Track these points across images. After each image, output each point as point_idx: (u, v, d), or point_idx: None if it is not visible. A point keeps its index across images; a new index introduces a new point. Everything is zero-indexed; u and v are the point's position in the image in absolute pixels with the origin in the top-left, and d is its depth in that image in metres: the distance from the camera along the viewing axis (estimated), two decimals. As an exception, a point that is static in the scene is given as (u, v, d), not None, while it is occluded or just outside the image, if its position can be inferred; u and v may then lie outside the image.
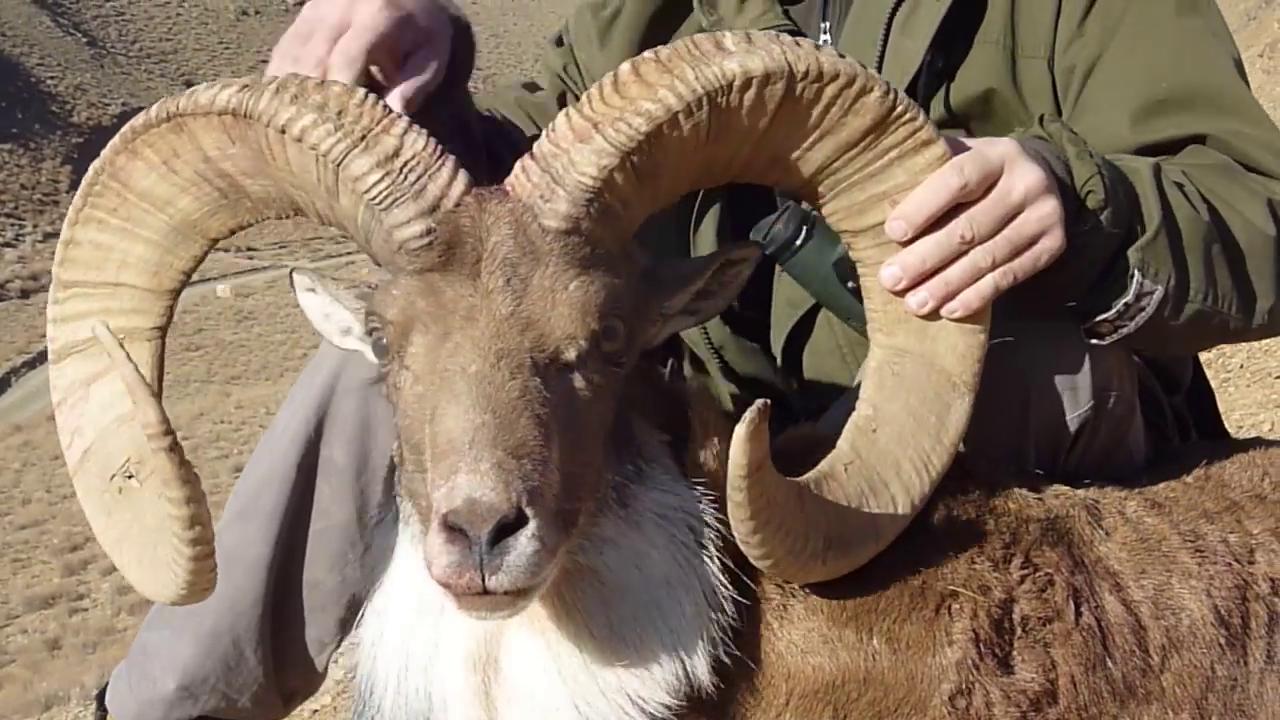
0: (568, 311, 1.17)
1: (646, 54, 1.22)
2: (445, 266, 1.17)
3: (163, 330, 1.34)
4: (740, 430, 1.13)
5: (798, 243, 1.52)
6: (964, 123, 1.77)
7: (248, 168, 1.25)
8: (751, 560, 1.27)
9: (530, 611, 1.25)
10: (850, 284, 1.48)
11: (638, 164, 1.18)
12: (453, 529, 1.05)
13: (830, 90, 1.23)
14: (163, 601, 1.34)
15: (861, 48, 1.72)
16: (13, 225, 55.07)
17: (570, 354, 1.19)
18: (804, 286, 1.65)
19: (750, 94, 1.19)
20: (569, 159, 1.17)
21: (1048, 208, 1.33)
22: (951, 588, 1.44)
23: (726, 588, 1.30)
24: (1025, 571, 1.48)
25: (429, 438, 1.15)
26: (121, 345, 1.17)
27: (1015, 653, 1.46)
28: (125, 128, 1.30)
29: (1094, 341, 1.53)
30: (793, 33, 1.64)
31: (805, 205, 1.57)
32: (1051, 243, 1.34)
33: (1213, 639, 1.57)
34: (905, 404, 1.38)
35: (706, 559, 1.31)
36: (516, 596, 1.10)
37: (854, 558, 1.34)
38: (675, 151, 1.20)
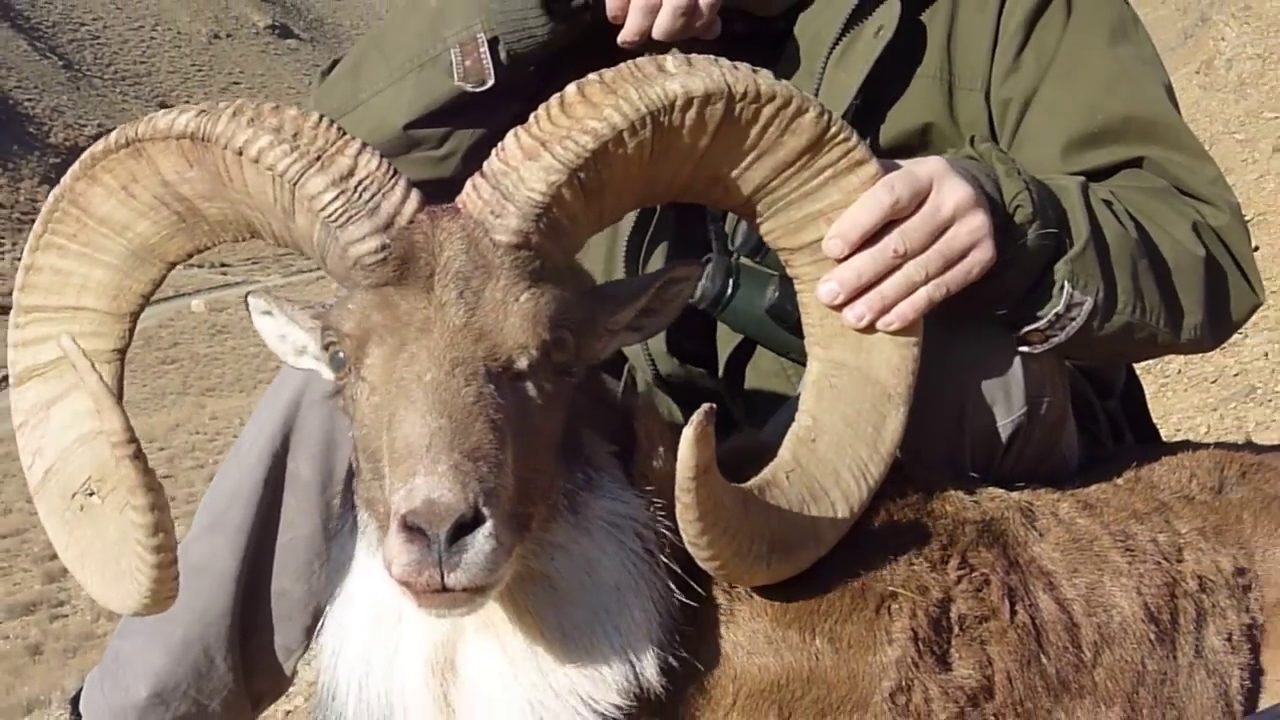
0: (519, 322, 1.22)
1: (591, 76, 1.26)
2: (400, 281, 1.21)
3: (122, 352, 1.38)
4: (688, 433, 1.17)
5: (728, 294, 1.59)
6: (903, 154, 1.80)
7: (205, 191, 1.29)
8: (699, 562, 1.31)
9: (485, 617, 1.29)
10: (784, 323, 1.54)
11: (585, 181, 1.23)
12: (412, 529, 1.08)
13: (767, 111, 1.29)
14: (126, 613, 1.38)
15: (800, 80, 1.77)
16: None
17: (522, 363, 1.23)
18: (741, 332, 1.73)
19: (691, 113, 1.24)
20: (518, 176, 1.21)
21: (977, 221, 1.39)
22: (891, 588, 1.49)
23: (674, 592, 1.34)
24: (962, 572, 1.54)
25: (386, 444, 1.18)
26: (87, 357, 1.20)
27: (953, 650, 1.51)
28: (85, 154, 1.34)
29: (1025, 350, 1.58)
30: None
31: (731, 256, 1.66)
32: (982, 255, 1.40)
33: (1143, 635, 1.63)
34: (843, 415, 1.43)
35: (654, 565, 1.35)
36: (474, 593, 1.14)
37: (796, 561, 1.39)
38: (620, 169, 1.25)
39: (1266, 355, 6.47)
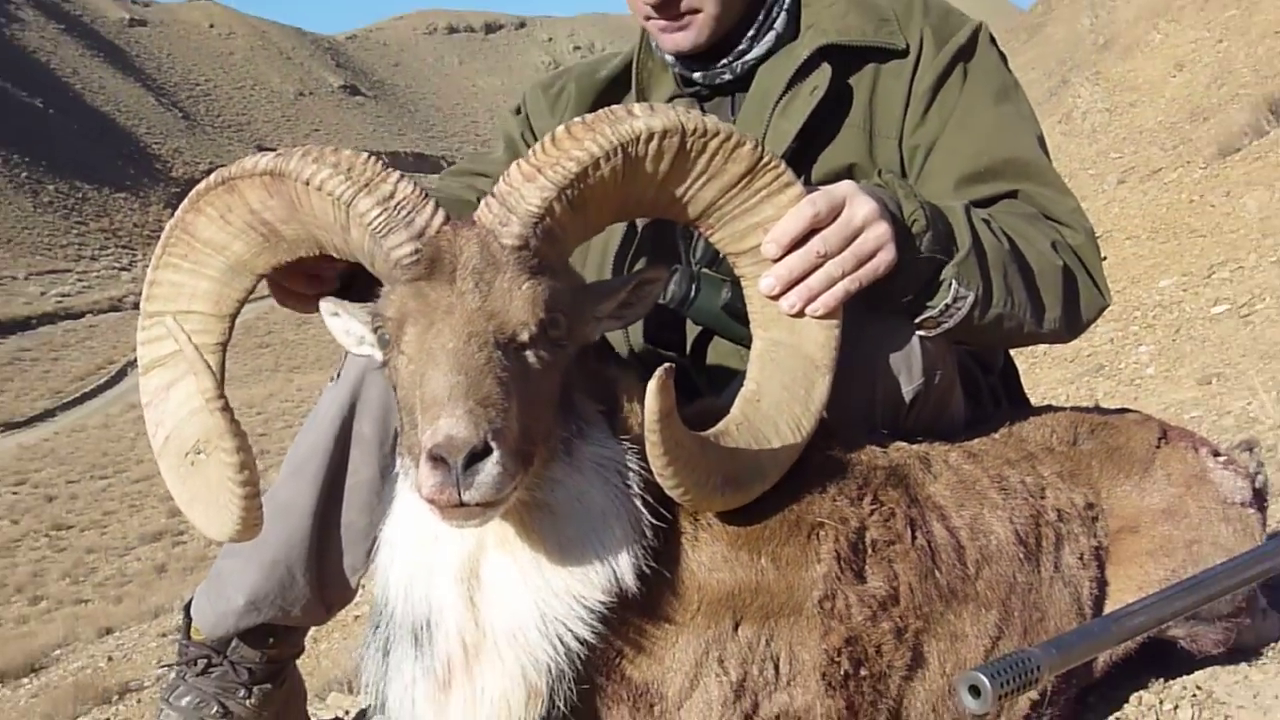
0: (521, 304, 1.48)
1: (576, 119, 1.55)
2: (429, 276, 1.48)
3: (224, 345, 1.66)
4: (652, 385, 1.45)
5: (692, 296, 1.89)
6: (871, 157, 2.16)
7: (283, 216, 1.58)
8: (667, 491, 1.57)
9: (501, 535, 1.57)
10: (736, 318, 1.83)
11: (571, 197, 1.51)
12: (436, 459, 1.34)
13: (713, 144, 1.57)
14: (224, 540, 1.64)
15: (750, 126, 2.07)
16: (127, 254, 74.68)
17: (524, 336, 1.50)
18: (702, 325, 2.03)
19: (653, 145, 1.53)
20: (520, 194, 1.50)
21: (881, 229, 1.67)
22: (819, 519, 1.77)
23: (647, 517, 1.61)
24: (874, 506, 1.83)
25: (419, 399, 1.44)
26: (186, 334, 1.48)
27: (867, 567, 1.79)
28: (192, 191, 1.62)
29: (922, 334, 1.89)
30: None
31: (693, 266, 1.95)
32: (886, 256, 1.69)
33: (1014, 554, 1.94)
34: (781, 381, 1.71)
35: (631, 495, 1.62)
36: (485, 508, 1.40)
37: (747, 492, 1.67)
38: (599, 188, 1.54)
39: (1112, 341, 7.37)
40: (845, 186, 1.70)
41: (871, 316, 1.84)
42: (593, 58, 2.38)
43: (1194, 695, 2.05)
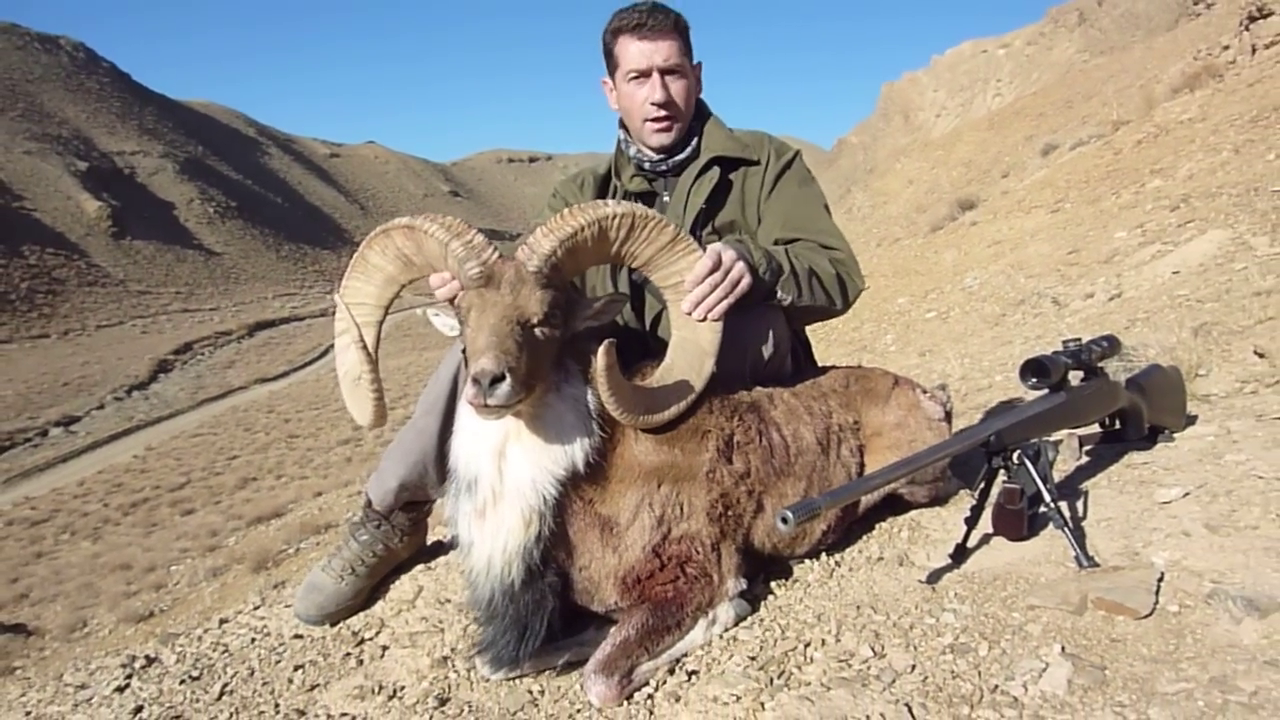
0: (535, 303, 2.16)
1: (572, 206, 2.24)
2: (485, 286, 2.17)
3: (379, 324, 2.39)
4: (600, 349, 2.17)
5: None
6: (727, 231, 2.99)
7: (413, 250, 2.30)
8: (612, 413, 2.26)
9: (518, 433, 2.23)
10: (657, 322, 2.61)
11: (568, 247, 2.21)
12: (475, 380, 2.01)
13: (651, 225, 2.30)
14: (365, 425, 2.37)
15: (679, 198, 2.97)
16: (328, 284, 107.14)
17: (534, 320, 2.16)
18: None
19: (615, 222, 2.25)
20: (540, 243, 2.19)
21: (742, 268, 2.42)
22: (707, 428, 2.43)
23: (596, 430, 2.28)
24: (739, 422, 2.50)
25: (470, 351, 2.10)
26: (348, 310, 2.29)
27: (734, 454, 2.46)
28: (368, 237, 2.35)
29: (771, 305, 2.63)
30: (649, 193, 3.04)
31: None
32: (746, 283, 2.43)
33: (816, 450, 2.63)
34: (686, 359, 2.40)
35: (590, 418, 2.27)
36: (499, 409, 2.06)
37: (659, 419, 2.34)
38: (583, 244, 2.23)
39: (872, 332, 10.10)
40: (722, 246, 2.45)
41: (746, 312, 2.56)
42: (594, 163, 3.26)
43: (910, 523, 2.91)
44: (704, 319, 2.39)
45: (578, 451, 2.26)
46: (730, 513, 2.45)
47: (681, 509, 2.38)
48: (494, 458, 2.26)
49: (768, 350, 2.76)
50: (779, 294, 2.65)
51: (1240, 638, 1.88)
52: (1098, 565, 2.27)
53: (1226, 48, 15.20)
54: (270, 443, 37.92)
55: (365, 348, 2.33)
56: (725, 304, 2.41)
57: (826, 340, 10.97)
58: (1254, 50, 13.75)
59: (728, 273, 2.41)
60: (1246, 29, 14.25)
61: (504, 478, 2.24)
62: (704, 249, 2.41)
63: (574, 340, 2.34)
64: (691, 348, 2.42)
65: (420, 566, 3.29)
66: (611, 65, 3.00)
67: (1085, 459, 3.10)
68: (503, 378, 2.02)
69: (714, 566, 2.39)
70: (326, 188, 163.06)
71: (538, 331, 2.19)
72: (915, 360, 7.52)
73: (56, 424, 49.67)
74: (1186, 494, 2.56)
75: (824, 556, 2.78)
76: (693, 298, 2.38)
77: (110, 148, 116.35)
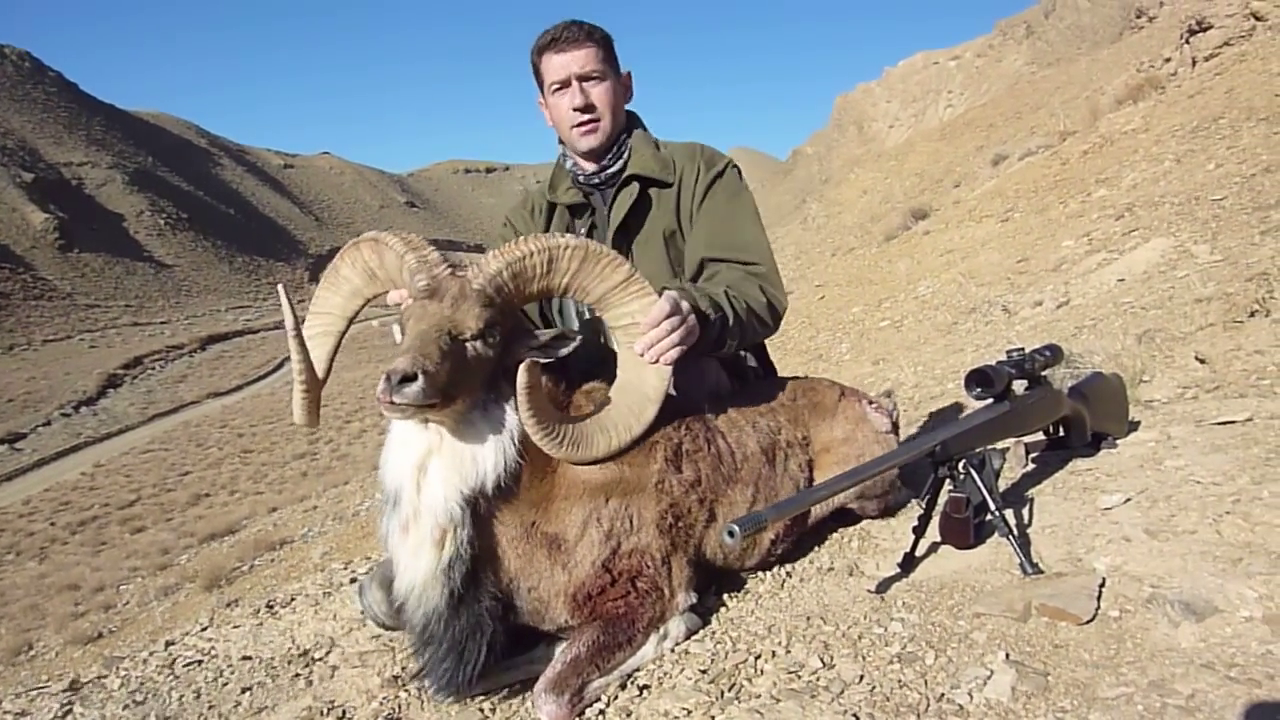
0: (471, 318, 2.19)
1: (525, 235, 2.30)
2: (429, 298, 2.21)
3: (341, 333, 2.48)
4: (522, 367, 2.18)
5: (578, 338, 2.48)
6: (669, 240, 3.04)
7: (377, 263, 2.36)
8: (533, 438, 2.23)
9: (438, 449, 2.21)
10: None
11: (514, 270, 2.25)
12: (386, 376, 2.02)
13: (605, 260, 2.31)
14: (298, 423, 2.42)
15: (616, 211, 3.02)
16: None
17: (467, 335, 2.18)
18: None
19: (568, 253, 2.28)
20: (488, 264, 2.24)
21: (693, 319, 2.41)
22: (653, 439, 2.44)
23: (517, 452, 2.25)
24: (685, 430, 2.55)
25: (396, 352, 2.11)
26: (289, 300, 2.32)
27: (683, 464, 2.47)
28: (339, 251, 2.42)
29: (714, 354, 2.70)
30: (583, 204, 3.13)
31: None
32: (696, 332, 2.42)
33: (761, 459, 2.67)
34: (628, 403, 2.40)
35: (511, 443, 2.25)
36: (406, 408, 2.05)
37: (582, 457, 2.30)
38: (529, 271, 2.27)
39: (827, 342, 10.16)
40: (675, 293, 2.42)
41: (700, 362, 2.75)
42: (540, 184, 3.31)
43: (860, 532, 2.97)
44: (656, 361, 2.37)
45: (489, 472, 2.23)
46: (681, 523, 2.46)
47: (631, 522, 2.38)
48: (415, 472, 2.25)
49: (717, 382, 2.89)
50: (728, 342, 2.66)
51: (1178, 641, 1.92)
52: (1042, 572, 2.30)
53: (1168, 60, 15.58)
54: (224, 458, 37.81)
55: (303, 343, 2.36)
56: (678, 350, 2.39)
57: (782, 349, 11.04)
58: (1194, 63, 14.11)
59: (685, 320, 2.40)
60: (1187, 42, 14.62)
61: (421, 493, 2.24)
62: (658, 293, 2.41)
63: (512, 365, 2.31)
64: (635, 392, 2.41)
65: (371, 584, 3.24)
66: (539, 82, 3.10)
67: (1031, 466, 3.15)
68: (414, 378, 2.03)
69: (665, 580, 2.39)
70: (280, 199, 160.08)
71: (469, 346, 2.21)
72: (869, 368, 7.59)
73: (1, 441, 48.60)
74: (1128, 500, 2.61)
75: (776, 568, 2.80)
76: (646, 340, 2.36)
77: (57, 158, 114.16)
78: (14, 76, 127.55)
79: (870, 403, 3.03)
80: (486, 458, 2.23)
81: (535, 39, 3.06)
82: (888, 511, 3.06)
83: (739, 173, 3.13)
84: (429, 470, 2.24)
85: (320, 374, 2.50)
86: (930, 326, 8.61)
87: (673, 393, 2.46)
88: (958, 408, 4.53)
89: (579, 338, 2.48)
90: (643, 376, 2.38)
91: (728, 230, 3.00)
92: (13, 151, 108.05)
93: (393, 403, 2.03)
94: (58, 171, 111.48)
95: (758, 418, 2.79)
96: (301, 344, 2.35)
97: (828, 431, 2.89)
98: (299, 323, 2.33)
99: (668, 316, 2.35)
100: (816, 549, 2.92)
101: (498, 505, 2.27)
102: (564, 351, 2.40)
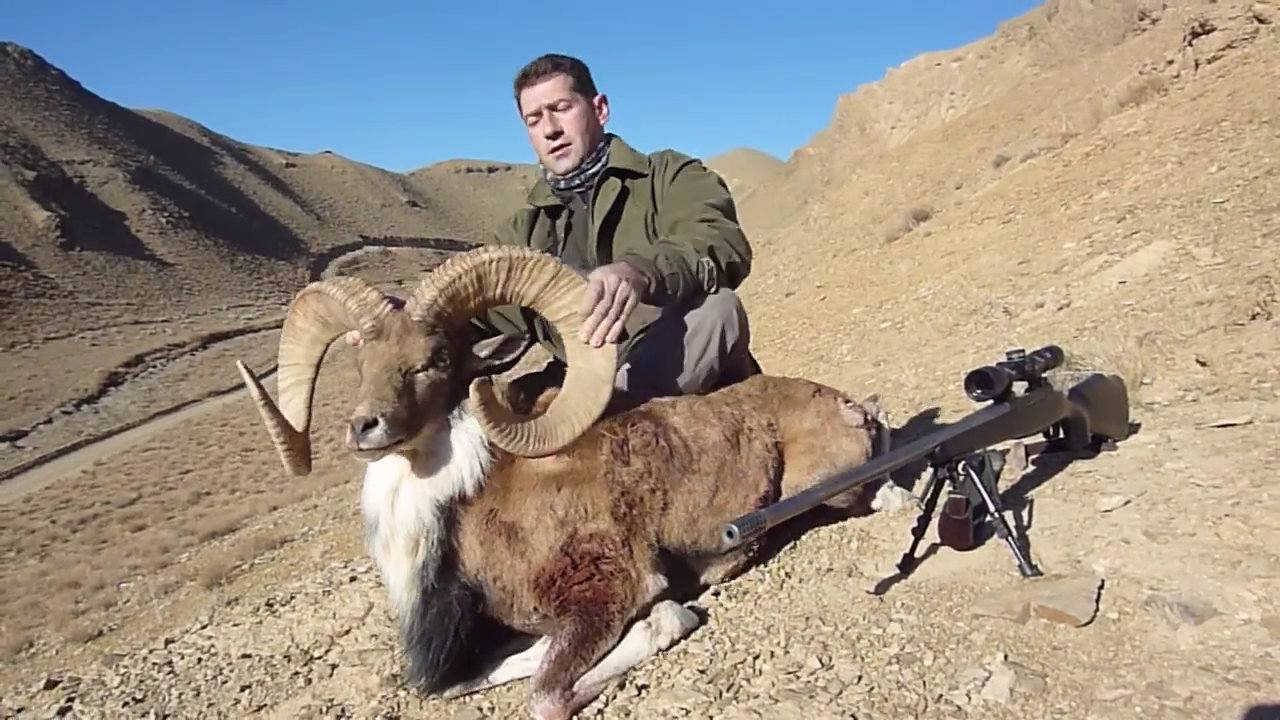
0: (417, 351, 2.32)
1: (454, 255, 2.35)
2: (377, 338, 2.33)
3: (313, 380, 2.58)
4: (471, 387, 2.30)
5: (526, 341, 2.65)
6: (650, 232, 3.27)
7: (325, 313, 2.48)
8: (500, 446, 2.35)
9: (409, 473, 2.34)
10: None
11: (448, 295, 2.34)
12: (351, 425, 2.17)
13: (530, 264, 2.40)
14: (291, 475, 2.49)
15: (599, 207, 3.24)
16: (284, 295, 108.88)
17: (418, 366, 2.31)
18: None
19: (493, 266, 2.37)
20: (423, 293, 2.33)
21: (626, 287, 2.50)
22: (601, 432, 2.53)
23: (490, 459, 2.38)
24: (631, 428, 2.60)
25: (357, 398, 2.24)
26: (252, 374, 2.50)
27: (631, 457, 2.54)
28: (292, 301, 2.53)
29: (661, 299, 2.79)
30: (559, 206, 3.48)
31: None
32: (634, 299, 2.52)
33: (723, 448, 2.71)
34: (582, 389, 2.48)
35: (478, 453, 2.37)
36: (374, 451, 2.19)
37: (551, 447, 2.41)
38: (462, 292, 2.37)
39: (828, 343, 10.03)
40: (605, 269, 2.57)
41: (687, 327, 2.94)
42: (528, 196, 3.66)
43: (860, 533, 2.95)
44: (601, 344, 2.47)
45: (466, 478, 2.36)
46: (635, 511, 2.51)
47: (585, 510, 2.45)
48: (389, 496, 2.38)
49: (731, 337, 3.01)
50: (669, 291, 2.80)
51: (1177, 643, 1.92)
52: (1040, 574, 2.31)
53: (1171, 62, 15.57)
54: (224, 456, 38.27)
55: (274, 409, 2.52)
56: (616, 326, 2.49)
57: (783, 350, 11.08)
58: (1197, 65, 14.11)
59: (614, 296, 2.50)
60: (1190, 44, 14.62)
61: (395, 513, 2.35)
62: (586, 279, 2.49)
63: (466, 382, 2.41)
64: (588, 378, 2.49)
65: (371, 583, 3.26)
66: (520, 114, 3.42)
67: (1030, 468, 3.15)
68: (375, 423, 2.17)
69: (629, 561, 2.42)
70: (282, 198, 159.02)
71: (422, 376, 2.34)
72: (870, 370, 7.58)
73: (2, 439, 48.90)
74: (1127, 502, 2.61)
75: (774, 568, 2.81)
76: (586, 328, 2.47)
77: (59, 156, 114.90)
78: (16, 75, 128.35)
79: (846, 401, 3.07)
80: (461, 465, 2.37)
81: (515, 76, 3.39)
82: (854, 508, 3.09)
83: (703, 165, 3.45)
84: (400, 491, 2.37)
85: (300, 425, 2.61)
86: (931, 328, 8.61)
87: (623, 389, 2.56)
88: (958, 409, 4.53)
89: (527, 336, 2.68)
90: (591, 361, 2.48)
91: (688, 195, 3.27)
92: (15, 149, 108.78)
93: (360, 449, 2.17)
94: (60, 170, 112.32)
95: (723, 408, 2.87)
96: (273, 410, 2.49)
97: (797, 423, 2.95)
98: (264, 393, 2.46)
99: (598, 300, 2.45)
100: (816, 549, 2.92)
101: (469, 500, 2.38)
102: (517, 354, 2.55)
